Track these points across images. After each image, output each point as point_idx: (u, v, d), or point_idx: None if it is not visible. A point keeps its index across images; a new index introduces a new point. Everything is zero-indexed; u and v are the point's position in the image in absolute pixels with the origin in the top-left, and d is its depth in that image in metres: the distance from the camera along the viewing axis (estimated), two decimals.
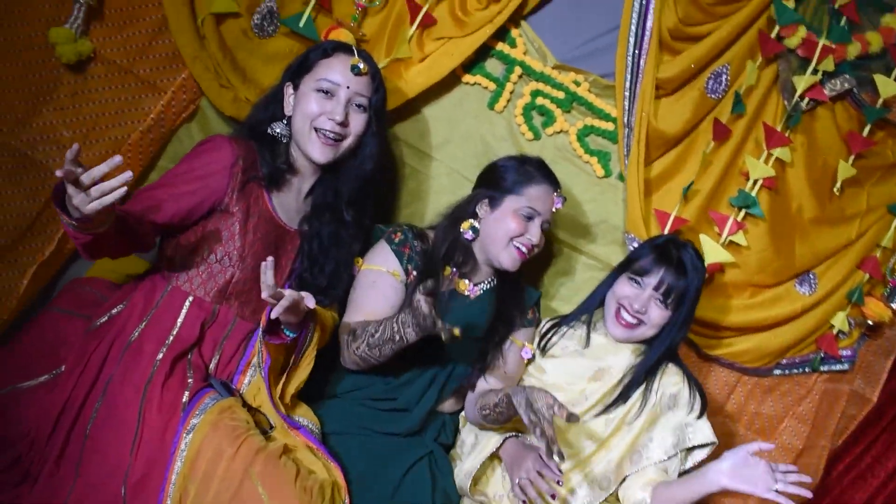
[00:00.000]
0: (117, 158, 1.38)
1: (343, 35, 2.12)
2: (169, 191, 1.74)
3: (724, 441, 2.66)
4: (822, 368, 2.67)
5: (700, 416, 2.03)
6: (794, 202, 2.50)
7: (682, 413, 2.02)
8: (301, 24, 2.13)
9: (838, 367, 2.70)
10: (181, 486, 1.54)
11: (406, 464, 1.88)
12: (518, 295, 2.11)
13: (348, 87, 1.88)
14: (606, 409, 2.03)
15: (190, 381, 1.70)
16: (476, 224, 2.04)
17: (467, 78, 2.33)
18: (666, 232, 2.36)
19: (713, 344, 2.53)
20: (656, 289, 2.01)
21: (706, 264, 2.39)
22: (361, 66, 1.89)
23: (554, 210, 2.04)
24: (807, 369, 2.68)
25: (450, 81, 2.33)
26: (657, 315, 2.03)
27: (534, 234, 2.00)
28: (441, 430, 2.03)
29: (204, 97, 2.18)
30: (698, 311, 2.41)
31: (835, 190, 2.50)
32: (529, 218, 2.01)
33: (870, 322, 2.64)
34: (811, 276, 2.59)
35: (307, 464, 1.64)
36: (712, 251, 2.41)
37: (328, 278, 1.92)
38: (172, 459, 1.56)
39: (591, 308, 2.16)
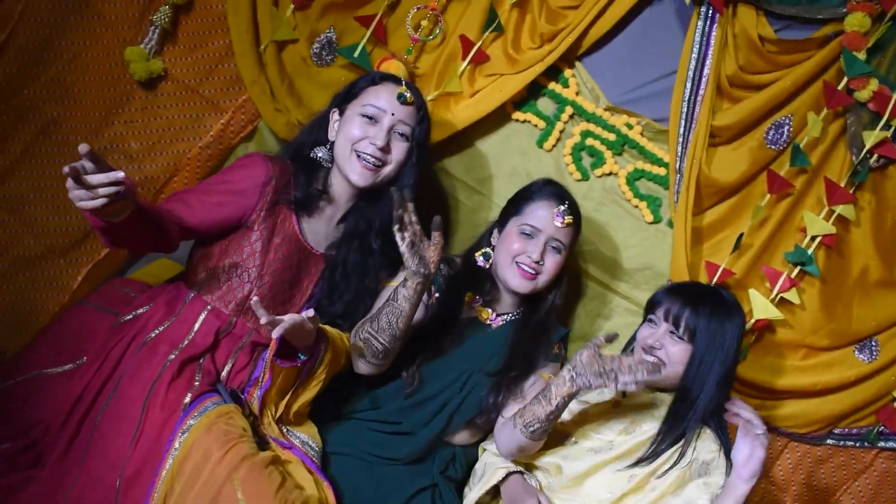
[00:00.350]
0: (120, 174, 1.44)
1: (395, 67, 2.18)
2: (200, 197, 1.82)
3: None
4: (880, 444, 2.49)
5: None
6: (857, 263, 2.37)
7: (714, 483, 1.86)
8: (356, 55, 2.21)
9: None
10: (168, 484, 1.59)
11: (406, 493, 1.88)
12: (544, 331, 2.07)
13: (393, 115, 1.92)
14: (634, 465, 1.95)
15: (196, 383, 1.75)
16: (490, 251, 2.06)
17: (517, 115, 2.35)
18: (713, 283, 2.29)
19: (757, 405, 2.41)
20: (666, 319, 1.91)
21: (754, 320, 2.32)
22: (408, 95, 1.94)
23: (558, 225, 1.99)
24: (865, 443, 2.51)
25: (500, 118, 2.35)
26: (674, 350, 1.89)
27: (533, 252, 1.96)
28: (449, 463, 2.01)
29: (261, 119, 2.28)
30: (746, 371, 2.35)
31: None
32: (530, 235, 1.99)
33: None
34: (873, 342, 2.44)
35: (298, 479, 1.67)
36: (761, 307, 2.32)
37: (345, 305, 1.96)
38: (165, 457, 1.60)
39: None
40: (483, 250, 2.08)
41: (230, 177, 1.89)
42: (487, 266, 2.07)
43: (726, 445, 1.91)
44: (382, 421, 1.98)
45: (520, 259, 1.99)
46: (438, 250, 1.73)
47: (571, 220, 2.01)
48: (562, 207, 2.00)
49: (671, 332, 1.91)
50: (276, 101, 2.21)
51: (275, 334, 1.59)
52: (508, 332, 2.06)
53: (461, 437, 2.04)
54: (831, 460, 2.54)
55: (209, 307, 1.87)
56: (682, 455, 1.88)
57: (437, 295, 2.01)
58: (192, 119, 2.30)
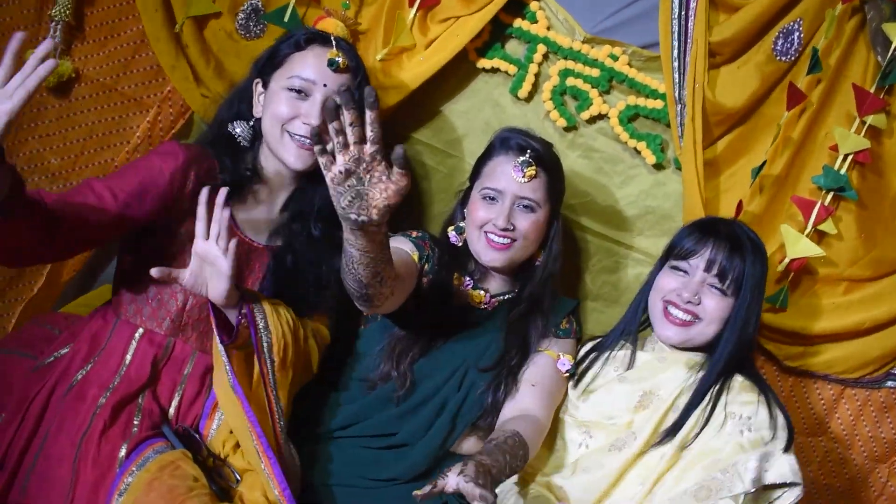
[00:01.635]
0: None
1: (332, 26, 1.87)
2: (109, 183, 1.51)
3: (833, 469, 2.24)
4: None
5: (786, 450, 1.63)
6: (895, 178, 2.05)
7: (759, 440, 1.62)
8: (286, 19, 1.90)
9: None
10: None
11: None
12: (538, 303, 1.78)
13: (325, 86, 1.63)
14: (661, 441, 1.67)
15: (135, 429, 1.49)
16: (462, 224, 1.79)
17: (483, 63, 2.03)
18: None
19: (798, 353, 2.11)
20: (707, 270, 1.66)
21: (788, 260, 2.01)
22: (340, 59, 1.64)
23: (521, 181, 1.69)
24: None
25: (464, 69, 2.04)
26: (714, 305, 1.66)
27: (499, 218, 1.68)
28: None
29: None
30: (779, 319, 2.05)
31: None
32: (493, 199, 1.71)
33: None
34: None
35: None
36: (796, 244, 2.01)
37: (314, 287, 1.69)
38: None
39: (634, 319, 1.82)
40: (455, 224, 1.80)
41: (141, 163, 1.60)
42: (461, 243, 1.79)
43: (765, 390, 1.66)
44: (372, 435, 1.70)
45: (486, 228, 1.71)
46: (393, 192, 1.18)
47: (534, 172, 1.71)
48: (521, 159, 1.70)
49: (712, 285, 1.67)
50: (203, 85, 1.91)
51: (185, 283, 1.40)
52: (504, 315, 1.76)
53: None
54: None
55: (140, 331, 1.60)
56: (710, 415, 1.63)
57: (429, 277, 1.73)
58: (115, 122, 2.01)
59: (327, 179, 1.19)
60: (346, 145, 1.16)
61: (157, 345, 1.60)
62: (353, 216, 1.19)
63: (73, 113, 2.00)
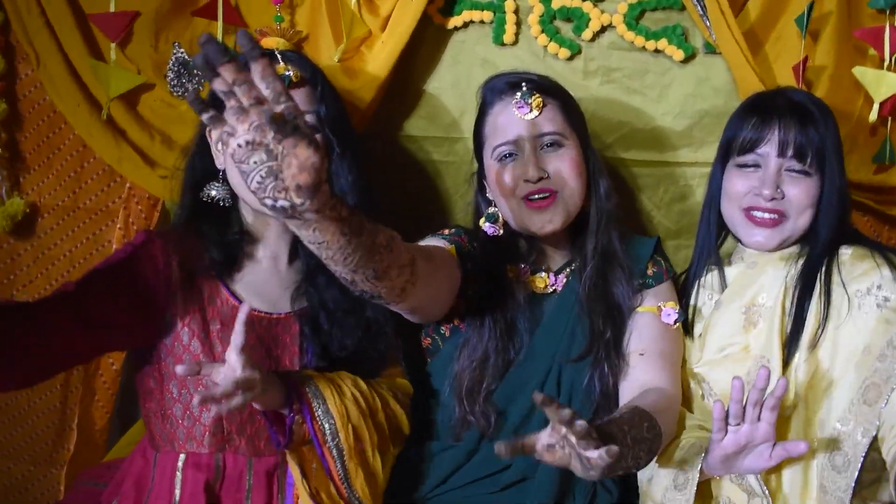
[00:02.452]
0: None
1: (273, 45, 1.60)
2: (88, 278, 1.27)
3: None
4: None
5: None
6: None
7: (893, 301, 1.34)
8: None
9: None
10: None
11: None
12: (612, 256, 1.48)
13: None
14: (789, 353, 1.38)
15: None
16: (492, 210, 1.49)
17: (453, 21, 1.73)
18: (800, 86, 1.64)
19: None
20: (782, 154, 1.41)
21: (878, 105, 1.67)
22: (290, 73, 1.38)
23: (530, 118, 1.42)
24: None
25: (435, 38, 1.75)
26: (801, 192, 1.42)
27: (528, 171, 1.40)
28: (593, 488, 1.44)
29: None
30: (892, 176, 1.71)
31: None
32: (512, 156, 1.44)
33: None
34: None
35: None
36: (879, 82, 1.68)
37: (366, 338, 1.43)
38: None
39: (709, 239, 1.54)
40: (485, 213, 1.50)
41: (117, 256, 1.34)
42: (500, 230, 1.49)
43: (883, 251, 1.42)
44: (481, 478, 1.44)
45: (519, 191, 1.43)
46: (298, 168, 0.86)
47: (541, 101, 1.43)
48: (518, 94, 1.43)
49: (791, 169, 1.43)
50: (157, 166, 1.67)
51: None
52: (577, 288, 1.47)
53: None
54: None
55: (182, 457, 1.36)
56: (828, 301, 1.37)
57: (478, 283, 1.45)
58: (90, 241, 1.81)
59: (228, 158, 0.88)
60: (241, 110, 0.86)
61: (206, 467, 1.36)
62: (269, 202, 0.89)
63: (45, 249, 1.82)
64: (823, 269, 1.41)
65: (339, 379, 1.35)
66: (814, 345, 1.36)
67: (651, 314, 1.46)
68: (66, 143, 1.77)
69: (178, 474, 1.35)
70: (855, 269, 1.39)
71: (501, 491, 1.42)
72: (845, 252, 1.42)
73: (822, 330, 1.36)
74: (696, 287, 1.55)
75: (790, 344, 1.38)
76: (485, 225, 1.49)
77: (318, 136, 0.91)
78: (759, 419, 1.18)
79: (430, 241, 1.45)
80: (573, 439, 1.01)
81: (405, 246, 1.13)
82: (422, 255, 1.20)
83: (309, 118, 1.36)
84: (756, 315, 1.43)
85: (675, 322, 1.47)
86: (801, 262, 1.44)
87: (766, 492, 1.30)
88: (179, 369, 1.14)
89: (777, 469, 1.32)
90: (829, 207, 1.43)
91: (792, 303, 1.40)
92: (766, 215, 1.43)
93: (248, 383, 1.13)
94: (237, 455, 1.37)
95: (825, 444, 1.31)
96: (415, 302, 1.22)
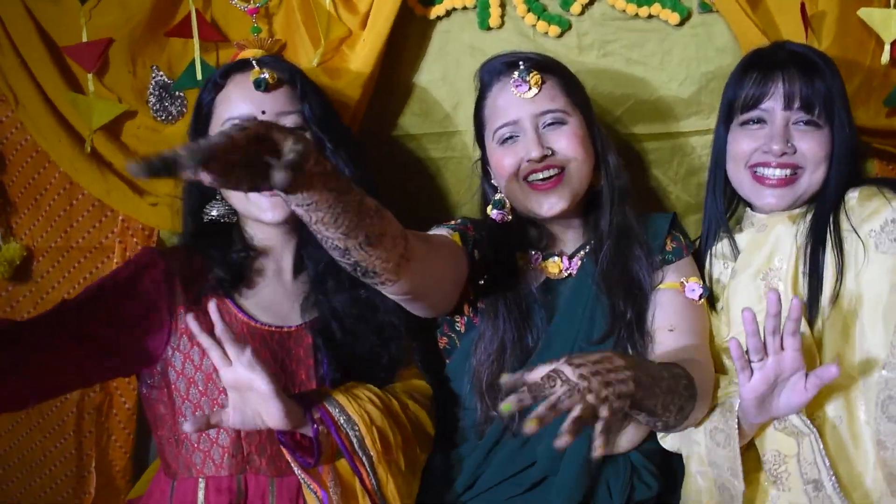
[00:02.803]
0: None
1: (251, 55, 1.55)
2: (91, 296, 1.25)
3: None
4: None
5: None
6: None
7: None
8: (199, 77, 1.58)
9: None
10: None
11: None
12: (628, 233, 1.42)
13: (263, 112, 1.32)
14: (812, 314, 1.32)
15: None
16: (499, 197, 1.43)
17: (436, 10, 1.67)
18: (806, 40, 1.56)
19: None
20: (788, 107, 1.35)
21: (889, 43, 1.58)
22: (266, 75, 1.33)
23: (529, 96, 1.37)
24: None
25: (419, 29, 1.70)
26: (813, 145, 1.35)
27: (531, 150, 1.35)
28: (633, 482, 1.36)
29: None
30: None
31: None
32: (513, 137, 1.38)
33: None
34: None
35: None
36: (888, 22, 1.58)
37: (380, 343, 1.39)
38: None
39: (716, 206, 1.48)
40: (492, 200, 1.44)
41: (120, 274, 1.32)
42: (508, 216, 1.42)
43: (887, 183, 1.37)
44: (506, 479, 1.37)
45: (523, 172, 1.37)
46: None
47: (539, 78, 1.37)
48: (515, 73, 1.38)
49: (799, 121, 1.36)
50: (146, 194, 1.61)
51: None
52: (594, 268, 1.40)
53: (627, 439, 1.36)
54: None
55: (202, 482, 1.32)
56: (841, 248, 1.32)
57: (488, 272, 1.39)
58: (88, 280, 1.76)
59: None
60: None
61: (227, 490, 1.32)
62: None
63: (43, 294, 1.79)
64: (832, 218, 1.34)
65: (352, 388, 1.30)
66: (834, 299, 1.30)
67: (674, 290, 1.40)
68: (52, 181, 1.73)
69: (200, 498, 1.31)
70: (864, 210, 1.32)
71: (527, 492, 1.36)
72: (852, 196, 1.35)
73: (840, 283, 1.29)
74: (708, 258, 1.49)
75: (810, 304, 1.32)
76: (492, 212, 1.43)
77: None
78: (782, 348, 1.11)
79: (432, 231, 1.40)
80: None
81: (394, 218, 1.08)
82: (415, 235, 1.16)
83: (293, 118, 1.33)
84: (775, 279, 1.36)
85: (700, 297, 1.40)
86: (809, 217, 1.38)
87: (812, 426, 1.22)
88: (187, 427, 1.12)
89: (822, 422, 1.26)
90: (842, 160, 1.36)
91: (805, 262, 1.34)
92: (777, 172, 1.36)
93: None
94: (259, 476, 1.32)
95: (875, 395, 1.23)
96: (413, 283, 1.15)
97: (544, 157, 1.34)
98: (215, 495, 1.31)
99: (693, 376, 1.19)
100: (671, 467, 1.40)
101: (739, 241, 1.45)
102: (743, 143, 1.39)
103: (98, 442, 1.73)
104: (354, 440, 1.23)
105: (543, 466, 1.34)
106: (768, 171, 1.37)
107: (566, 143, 1.36)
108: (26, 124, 1.64)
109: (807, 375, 1.14)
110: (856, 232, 1.31)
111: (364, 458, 1.24)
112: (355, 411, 1.24)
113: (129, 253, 1.69)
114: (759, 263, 1.39)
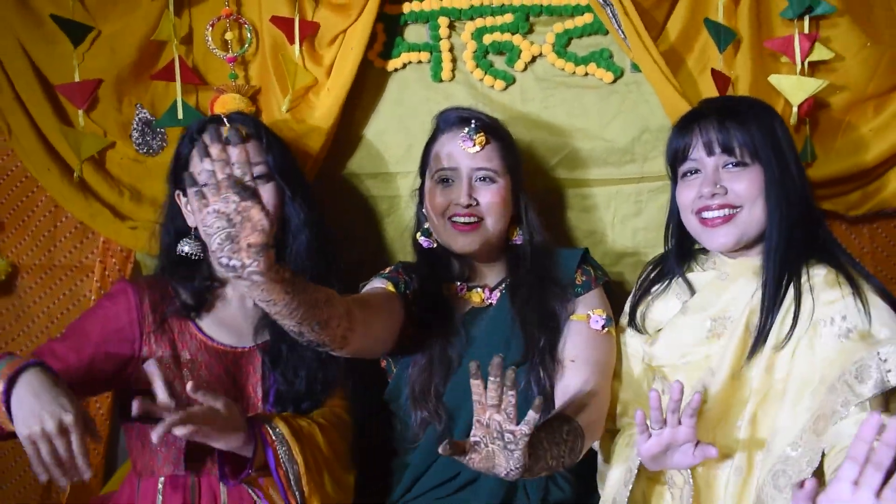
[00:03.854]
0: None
1: (231, 101, 1.76)
2: (69, 342, 1.45)
3: None
4: None
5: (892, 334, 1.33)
6: None
7: (860, 338, 1.34)
8: (180, 117, 1.76)
9: None
10: None
11: None
12: (542, 271, 1.60)
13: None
14: (751, 356, 1.42)
15: None
16: (426, 226, 1.64)
17: (392, 63, 1.87)
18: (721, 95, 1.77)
19: (858, 198, 1.87)
20: (710, 153, 1.46)
21: (796, 108, 1.79)
22: (234, 132, 1.49)
23: (472, 151, 1.56)
24: None
25: (376, 80, 1.88)
26: (744, 183, 1.44)
27: (459, 196, 1.55)
28: (545, 485, 1.55)
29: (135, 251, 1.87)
30: (823, 169, 1.82)
31: None
32: (448, 181, 1.59)
33: None
34: None
35: None
36: (794, 87, 1.80)
37: (320, 364, 1.56)
38: None
39: (672, 251, 1.60)
40: (422, 228, 1.65)
41: (97, 313, 1.51)
42: (434, 244, 1.63)
43: (841, 266, 1.42)
44: (439, 484, 1.55)
45: (449, 213, 1.57)
46: (250, 229, 1.10)
47: (484, 139, 1.58)
48: (467, 129, 1.57)
49: (726, 164, 1.46)
50: (127, 219, 1.78)
51: (179, 432, 1.28)
52: (512, 301, 1.59)
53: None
54: None
55: (161, 479, 1.49)
56: (797, 310, 1.39)
57: (418, 302, 1.58)
58: (68, 296, 1.93)
59: (199, 223, 1.16)
60: (216, 186, 1.11)
61: (182, 486, 1.48)
62: (224, 260, 1.10)
63: (25, 307, 1.93)
64: (793, 285, 1.41)
65: (293, 419, 1.48)
66: (780, 348, 1.38)
67: (581, 322, 1.57)
68: (39, 204, 1.89)
69: (159, 496, 1.47)
70: (824, 295, 1.39)
71: (457, 493, 1.53)
72: (818, 274, 1.42)
73: (789, 338, 1.38)
74: (655, 292, 1.60)
75: (752, 350, 1.40)
76: (420, 239, 1.63)
77: (269, 207, 1.12)
78: (679, 423, 1.25)
79: (371, 284, 1.59)
80: (498, 418, 1.16)
81: (341, 299, 1.31)
82: (357, 305, 1.37)
83: (259, 168, 1.51)
84: (722, 327, 1.46)
85: (604, 328, 1.57)
86: (762, 269, 1.45)
87: (690, 478, 1.37)
88: (153, 436, 1.27)
89: (714, 471, 1.41)
90: (774, 197, 1.42)
91: (762, 312, 1.41)
92: (716, 213, 1.45)
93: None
94: (211, 477, 1.48)
95: (771, 464, 1.33)
96: (357, 346, 1.36)
97: (469, 206, 1.54)
98: (171, 492, 1.47)
99: (580, 417, 1.37)
100: (585, 473, 1.57)
101: (700, 278, 1.54)
102: (685, 193, 1.50)
103: None
104: (292, 478, 1.42)
105: (470, 472, 1.50)
106: (709, 214, 1.46)
107: (490, 199, 1.56)
108: (18, 153, 1.80)
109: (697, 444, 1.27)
110: (813, 310, 1.38)
111: (297, 493, 1.43)
112: (298, 452, 1.42)
113: (108, 272, 1.85)
114: (715, 309, 1.47)
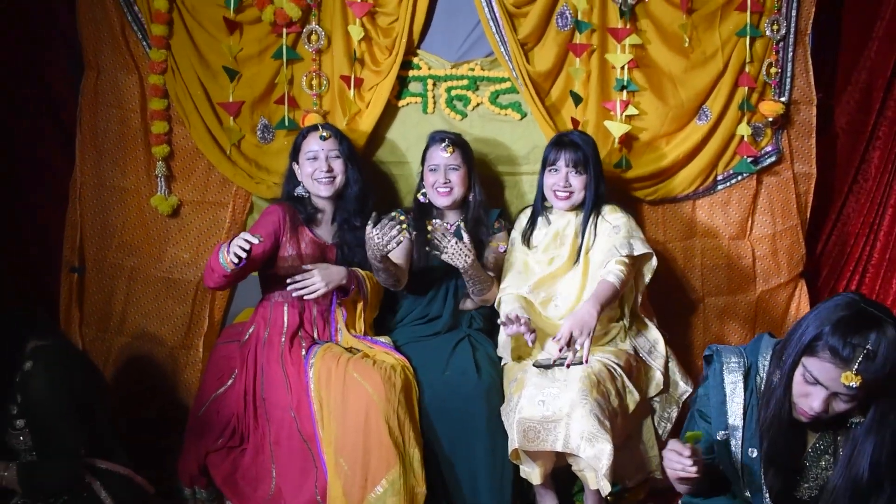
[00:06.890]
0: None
1: (313, 117, 3.24)
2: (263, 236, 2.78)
3: (714, 255, 3.50)
4: (754, 168, 3.46)
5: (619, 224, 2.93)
6: (662, 65, 3.37)
7: (622, 231, 2.89)
8: (286, 124, 3.28)
9: (769, 160, 3.50)
10: (318, 393, 2.69)
11: (450, 345, 2.93)
12: (479, 219, 3.12)
13: (322, 149, 3.00)
14: (577, 258, 2.97)
15: (304, 343, 2.87)
16: (423, 191, 3.15)
17: (401, 102, 3.39)
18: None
19: (652, 191, 3.42)
20: (566, 165, 2.97)
21: (617, 138, 3.34)
22: (325, 133, 3.01)
23: (445, 155, 3.05)
24: (743, 174, 3.48)
25: (391, 110, 3.39)
26: (577, 182, 2.98)
27: (439, 178, 3.04)
28: (472, 321, 3.09)
29: (252, 194, 3.36)
30: (638, 171, 3.36)
31: (685, 43, 3.33)
32: (434, 170, 3.08)
33: (770, 118, 3.43)
34: (705, 109, 3.42)
35: (382, 358, 2.78)
36: (616, 128, 3.33)
37: (359, 257, 2.99)
38: (308, 384, 2.71)
39: (539, 203, 3.14)
40: (420, 192, 3.16)
41: (265, 220, 2.91)
42: (427, 200, 3.14)
43: (614, 205, 2.99)
44: (418, 318, 3.08)
45: (436, 186, 3.07)
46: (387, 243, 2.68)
47: (452, 149, 3.06)
48: (443, 144, 3.06)
49: (571, 171, 2.97)
50: (253, 178, 3.28)
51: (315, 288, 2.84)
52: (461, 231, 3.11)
53: (469, 304, 3.09)
54: (731, 199, 3.52)
55: (286, 305, 2.95)
56: (595, 228, 2.95)
57: (415, 233, 3.06)
58: (211, 220, 3.37)
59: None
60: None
61: (297, 308, 2.94)
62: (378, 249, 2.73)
63: (186, 225, 3.38)
64: (593, 216, 2.99)
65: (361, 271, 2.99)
66: (588, 251, 2.94)
67: (493, 247, 3.11)
68: (200, 166, 3.35)
69: (285, 311, 2.95)
70: (609, 216, 2.94)
71: (428, 321, 3.07)
72: (606, 208, 2.95)
73: (594, 244, 2.93)
74: (535, 223, 3.07)
75: (579, 251, 2.92)
76: (419, 196, 3.14)
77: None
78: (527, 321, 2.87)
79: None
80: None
81: (405, 271, 2.91)
82: (403, 272, 2.93)
83: (336, 152, 3.01)
84: (562, 237, 2.95)
85: (503, 251, 3.12)
86: (581, 215, 2.94)
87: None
88: (290, 287, 2.83)
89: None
90: (591, 188, 2.91)
91: (580, 233, 2.92)
92: (563, 192, 2.99)
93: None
94: (310, 303, 2.96)
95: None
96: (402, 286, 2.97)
97: (446, 182, 3.05)
98: (292, 311, 2.92)
99: (494, 283, 2.98)
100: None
101: (551, 217, 3.01)
102: (549, 179, 3.04)
103: (207, 302, 3.37)
104: (366, 291, 2.95)
105: (436, 312, 3.05)
106: (560, 193, 3.00)
107: (456, 179, 3.03)
108: (193, 137, 3.28)
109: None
110: (604, 224, 2.98)
111: (364, 298, 2.96)
112: (368, 283, 2.95)
113: (236, 207, 3.34)
114: (556, 227, 2.94)
